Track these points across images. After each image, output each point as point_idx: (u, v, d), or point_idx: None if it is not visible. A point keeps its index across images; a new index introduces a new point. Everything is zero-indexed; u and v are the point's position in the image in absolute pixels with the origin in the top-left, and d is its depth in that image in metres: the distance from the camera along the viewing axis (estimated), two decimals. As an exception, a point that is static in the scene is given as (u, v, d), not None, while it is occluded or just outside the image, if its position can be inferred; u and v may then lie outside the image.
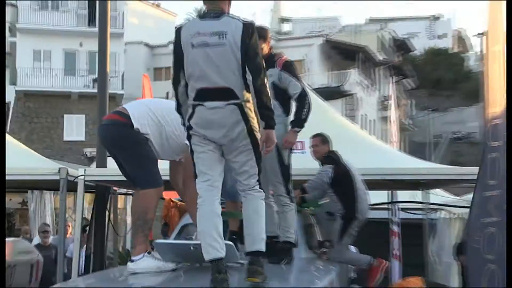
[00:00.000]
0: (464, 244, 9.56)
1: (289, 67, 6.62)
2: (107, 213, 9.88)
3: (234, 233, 6.61)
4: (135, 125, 5.87)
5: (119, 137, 5.94)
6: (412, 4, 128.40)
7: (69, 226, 15.84)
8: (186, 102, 5.29)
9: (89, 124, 45.29)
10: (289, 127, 6.57)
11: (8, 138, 11.36)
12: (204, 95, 5.11)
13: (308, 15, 53.06)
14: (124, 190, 11.37)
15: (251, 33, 5.13)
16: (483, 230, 6.85)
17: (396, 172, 8.59)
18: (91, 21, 47.25)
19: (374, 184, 8.32)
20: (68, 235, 15.34)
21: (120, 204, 13.25)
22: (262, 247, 5.15)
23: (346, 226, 7.67)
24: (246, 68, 5.10)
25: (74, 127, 43.73)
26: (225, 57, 5.08)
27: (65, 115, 44.29)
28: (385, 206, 11.92)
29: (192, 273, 5.53)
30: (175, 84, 5.37)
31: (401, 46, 64.19)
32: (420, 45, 70.75)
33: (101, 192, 9.04)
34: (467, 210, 14.03)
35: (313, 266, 6.87)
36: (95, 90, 45.57)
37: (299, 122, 6.55)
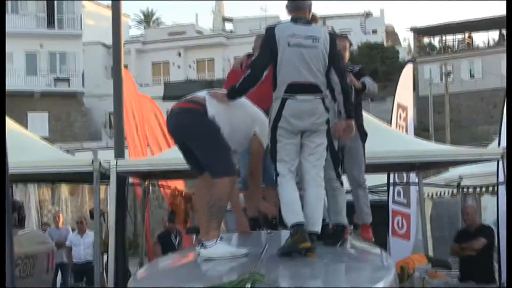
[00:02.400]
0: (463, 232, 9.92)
1: None
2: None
3: (274, 218, 6.58)
4: (210, 113, 5.62)
5: (194, 125, 5.64)
6: (344, 3, 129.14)
7: (59, 217, 16.01)
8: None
9: (52, 121, 45.12)
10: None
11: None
12: (295, 88, 5.56)
13: (251, 14, 53.28)
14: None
15: (335, 41, 5.80)
16: None
17: (390, 155, 8.23)
18: (50, 23, 47.01)
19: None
20: (60, 226, 15.55)
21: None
22: (319, 230, 5.56)
23: None
24: (332, 69, 5.70)
25: (38, 124, 43.28)
26: (316, 58, 5.63)
27: (28, 113, 43.87)
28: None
29: (266, 257, 5.33)
30: (259, 74, 5.64)
31: (340, 41, 64.69)
32: (355, 40, 71.59)
33: (121, 183, 8.95)
34: (438, 189, 14.78)
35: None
36: (57, 89, 44.90)
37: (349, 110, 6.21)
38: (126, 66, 14.04)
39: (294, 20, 5.75)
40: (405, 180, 13.06)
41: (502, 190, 10.46)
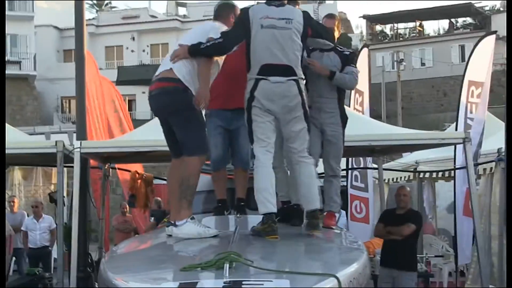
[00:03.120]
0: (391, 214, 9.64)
1: None
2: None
3: (241, 199, 6.74)
4: (188, 87, 5.62)
5: (176, 103, 5.64)
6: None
7: (14, 202, 15.72)
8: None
9: (3, 105, 44.27)
10: None
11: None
12: (268, 70, 5.63)
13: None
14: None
15: (309, 16, 5.90)
16: None
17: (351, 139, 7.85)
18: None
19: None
20: (15, 210, 15.27)
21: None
22: (318, 205, 5.73)
23: None
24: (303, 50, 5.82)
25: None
26: (290, 39, 5.67)
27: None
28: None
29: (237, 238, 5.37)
30: (229, 45, 5.67)
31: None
32: (309, 27, 71.86)
33: (84, 165, 8.78)
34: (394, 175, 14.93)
35: None
36: (8, 72, 43.79)
37: None
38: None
39: (268, 2, 5.79)
40: (362, 164, 13.17)
41: (459, 174, 10.65)
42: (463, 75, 10.86)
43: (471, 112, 10.65)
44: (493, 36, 11.51)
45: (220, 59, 5.88)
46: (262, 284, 3.84)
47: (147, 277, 4.37)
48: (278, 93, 5.64)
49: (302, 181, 5.74)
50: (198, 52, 5.61)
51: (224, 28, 5.81)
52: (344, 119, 6.64)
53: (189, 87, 5.59)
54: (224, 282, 3.83)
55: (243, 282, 3.85)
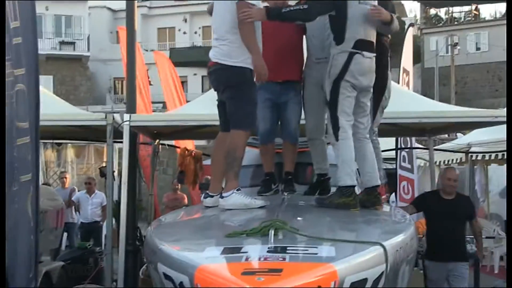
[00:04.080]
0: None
1: None
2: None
3: (289, 173, 6.70)
4: (243, 65, 5.68)
5: (229, 79, 5.75)
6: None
7: (66, 177, 16.02)
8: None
9: (57, 85, 44.98)
10: None
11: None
12: (363, 45, 5.71)
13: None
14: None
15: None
16: None
17: (398, 116, 7.90)
18: (56, -14, 46.77)
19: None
20: (66, 186, 15.56)
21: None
22: (379, 182, 5.84)
23: None
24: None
25: (43, 87, 43.13)
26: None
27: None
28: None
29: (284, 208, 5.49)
30: (313, 15, 5.74)
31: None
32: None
33: (133, 140, 8.84)
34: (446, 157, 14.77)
35: None
36: (62, 52, 44.69)
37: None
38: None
39: None
40: (408, 144, 13.07)
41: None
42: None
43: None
44: None
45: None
46: (307, 250, 3.83)
47: (192, 242, 4.42)
48: (370, 68, 5.77)
49: (368, 158, 5.83)
50: (280, 16, 5.68)
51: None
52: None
53: (244, 65, 5.64)
54: (269, 248, 3.83)
55: (288, 248, 3.84)
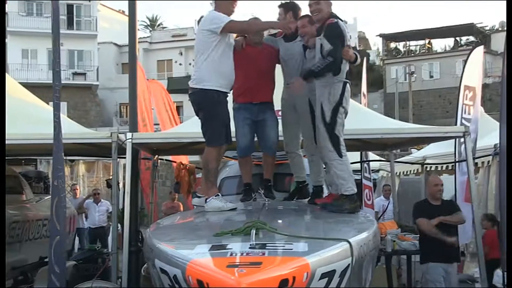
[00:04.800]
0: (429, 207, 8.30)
1: None
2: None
3: (269, 180, 6.68)
4: (210, 87, 5.83)
5: (201, 102, 5.94)
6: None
7: (77, 189, 15.94)
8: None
9: (70, 110, 44.70)
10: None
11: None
12: (348, 75, 5.81)
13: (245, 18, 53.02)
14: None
15: None
16: None
17: (365, 132, 7.91)
18: (69, 24, 46.71)
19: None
20: (77, 196, 15.48)
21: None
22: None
23: None
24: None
25: (58, 112, 42.88)
26: None
27: (50, 103, 43.29)
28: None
29: (249, 210, 5.72)
30: (339, 63, 5.72)
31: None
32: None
33: (135, 156, 8.78)
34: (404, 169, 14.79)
35: None
36: (75, 82, 44.21)
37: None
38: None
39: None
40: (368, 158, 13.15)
41: (459, 166, 10.50)
42: (460, 81, 10.71)
43: (465, 113, 10.53)
44: (481, 48, 11.68)
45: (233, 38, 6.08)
46: (284, 246, 3.84)
47: (184, 241, 4.42)
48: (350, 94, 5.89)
49: (344, 170, 5.85)
50: (314, 74, 5.71)
51: (222, 16, 5.84)
52: None
53: (211, 88, 5.80)
54: (250, 245, 3.85)
55: (267, 245, 3.85)
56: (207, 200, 5.77)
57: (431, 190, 8.36)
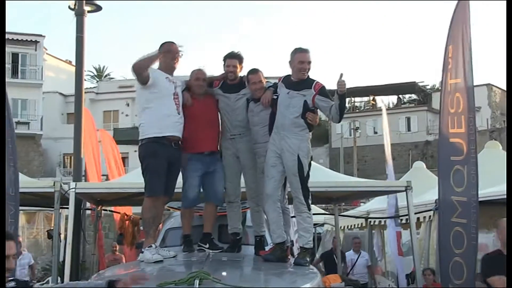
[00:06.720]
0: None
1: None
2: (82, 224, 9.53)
3: (209, 234, 6.51)
4: (148, 136, 6.03)
5: (139, 153, 6.16)
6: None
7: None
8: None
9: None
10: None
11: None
12: None
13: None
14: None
15: None
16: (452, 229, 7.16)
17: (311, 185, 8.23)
18: (14, 73, 46.12)
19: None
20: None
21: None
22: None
23: None
24: None
25: (1, 162, 41.86)
26: None
27: (-10, 151, 42.40)
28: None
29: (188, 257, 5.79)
30: None
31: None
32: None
33: (78, 206, 8.68)
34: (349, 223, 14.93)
35: None
36: (17, 131, 43.67)
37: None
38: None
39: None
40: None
41: (390, 221, 10.73)
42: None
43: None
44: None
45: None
46: None
47: (127, 292, 4.32)
48: None
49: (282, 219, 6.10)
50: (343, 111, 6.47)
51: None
52: None
53: (149, 136, 5.99)
54: None
55: None
56: (143, 251, 5.82)
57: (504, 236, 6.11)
